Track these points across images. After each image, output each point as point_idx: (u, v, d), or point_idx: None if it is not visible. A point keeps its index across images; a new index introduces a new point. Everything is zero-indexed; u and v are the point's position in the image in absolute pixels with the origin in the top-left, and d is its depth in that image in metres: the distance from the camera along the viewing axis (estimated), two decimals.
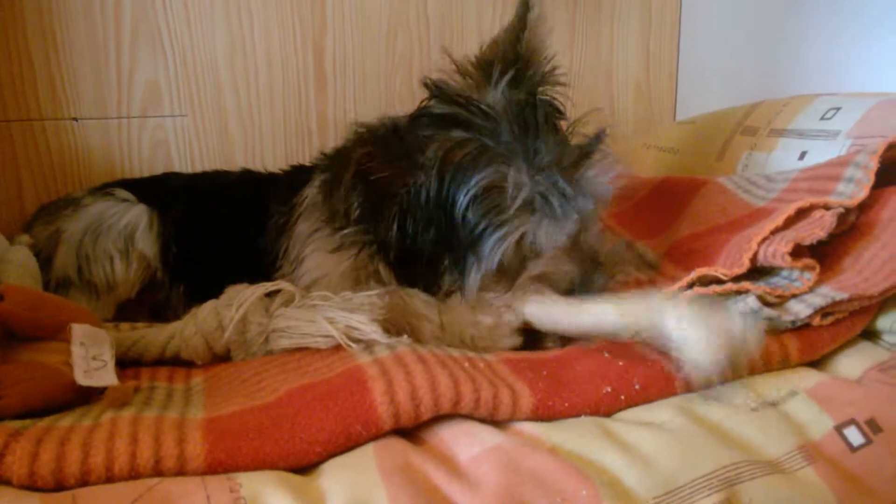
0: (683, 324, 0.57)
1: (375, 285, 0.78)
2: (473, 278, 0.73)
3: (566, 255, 0.75)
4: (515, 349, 0.72)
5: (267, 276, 0.86)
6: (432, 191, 0.72)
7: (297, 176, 0.96)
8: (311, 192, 0.89)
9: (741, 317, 0.59)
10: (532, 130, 0.73)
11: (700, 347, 0.56)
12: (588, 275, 0.75)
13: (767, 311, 0.65)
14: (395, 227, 0.74)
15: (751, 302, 0.65)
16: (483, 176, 0.70)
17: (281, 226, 0.90)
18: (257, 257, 0.91)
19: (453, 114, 0.75)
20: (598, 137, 0.74)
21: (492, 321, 0.72)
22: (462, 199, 0.71)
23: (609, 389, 0.59)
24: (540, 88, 0.80)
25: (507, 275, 0.75)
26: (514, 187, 0.70)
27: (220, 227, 0.97)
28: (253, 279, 0.77)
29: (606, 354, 0.64)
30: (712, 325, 0.57)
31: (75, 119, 1.19)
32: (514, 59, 0.79)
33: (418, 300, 0.75)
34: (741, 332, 0.58)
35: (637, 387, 0.60)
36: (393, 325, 0.72)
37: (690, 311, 0.58)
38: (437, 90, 0.77)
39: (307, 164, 1.02)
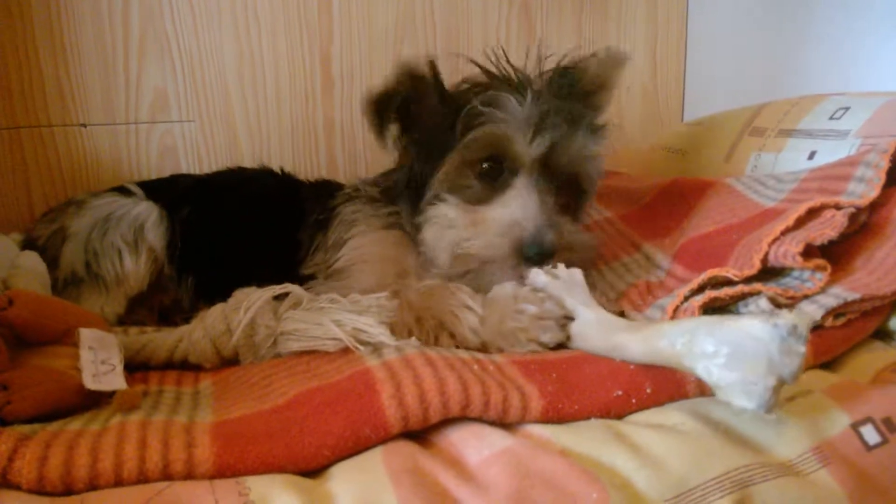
0: (715, 368, 0.52)
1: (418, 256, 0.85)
2: (448, 165, 0.82)
3: (531, 200, 0.80)
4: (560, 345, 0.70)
5: (296, 268, 0.90)
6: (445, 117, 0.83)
7: (329, 184, 1.04)
8: (356, 183, 0.97)
9: (774, 335, 0.50)
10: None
11: (742, 392, 0.50)
12: (542, 230, 0.78)
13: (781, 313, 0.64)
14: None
15: (762, 304, 0.65)
16: (489, 96, 0.81)
17: (321, 221, 0.93)
18: (287, 251, 0.93)
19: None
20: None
21: (536, 310, 0.71)
22: (463, 112, 0.81)
23: (620, 392, 0.59)
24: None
25: (477, 197, 0.82)
26: (512, 106, 0.80)
27: (240, 223, 0.99)
28: (275, 272, 0.80)
29: None
30: (749, 362, 0.50)
31: (84, 125, 1.20)
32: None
33: (463, 292, 0.76)
34: (779, 355, 0.49)
35: (648, 390, 0.59)
36: (431, 317, 0.74)
37: (719, 356, 0.52)
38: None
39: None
